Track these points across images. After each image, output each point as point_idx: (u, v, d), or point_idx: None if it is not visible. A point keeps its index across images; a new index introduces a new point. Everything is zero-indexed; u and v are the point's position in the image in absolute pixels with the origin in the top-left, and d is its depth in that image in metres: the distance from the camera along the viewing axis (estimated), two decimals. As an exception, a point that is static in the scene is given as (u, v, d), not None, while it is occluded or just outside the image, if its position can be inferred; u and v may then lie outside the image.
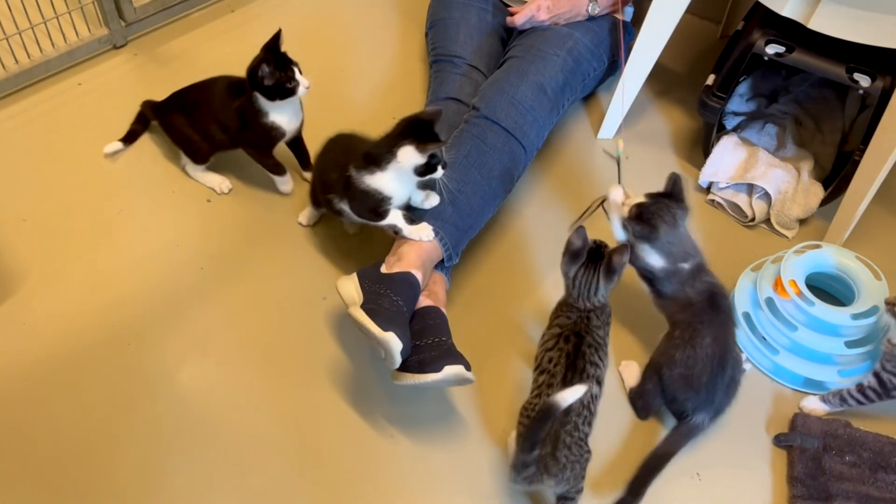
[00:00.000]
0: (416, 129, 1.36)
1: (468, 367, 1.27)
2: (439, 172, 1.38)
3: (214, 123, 1.65)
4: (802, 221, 1.73)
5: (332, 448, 1.36)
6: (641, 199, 1.37)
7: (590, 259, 1.26)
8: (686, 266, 1.36)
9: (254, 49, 1.58)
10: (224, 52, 2.09)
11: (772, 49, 1.59)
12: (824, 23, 1.49)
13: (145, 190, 1.75)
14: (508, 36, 1.89)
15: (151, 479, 1.31)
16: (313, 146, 1.63)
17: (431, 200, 1.47)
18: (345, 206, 1.45)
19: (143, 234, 1.66)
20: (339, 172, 1.43)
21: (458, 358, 1.27)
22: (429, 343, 1.30)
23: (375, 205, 1.40)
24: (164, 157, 1.80)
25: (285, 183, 1.72)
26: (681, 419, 1.35)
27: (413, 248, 1.40)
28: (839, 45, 1.51)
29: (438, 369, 1.24)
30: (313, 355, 1.48)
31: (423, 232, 1.42)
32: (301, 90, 1.55)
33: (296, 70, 1.55)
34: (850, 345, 1.42)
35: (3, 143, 1.82)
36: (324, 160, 1.54)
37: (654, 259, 1.36)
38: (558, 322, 1.28)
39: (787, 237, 1.71)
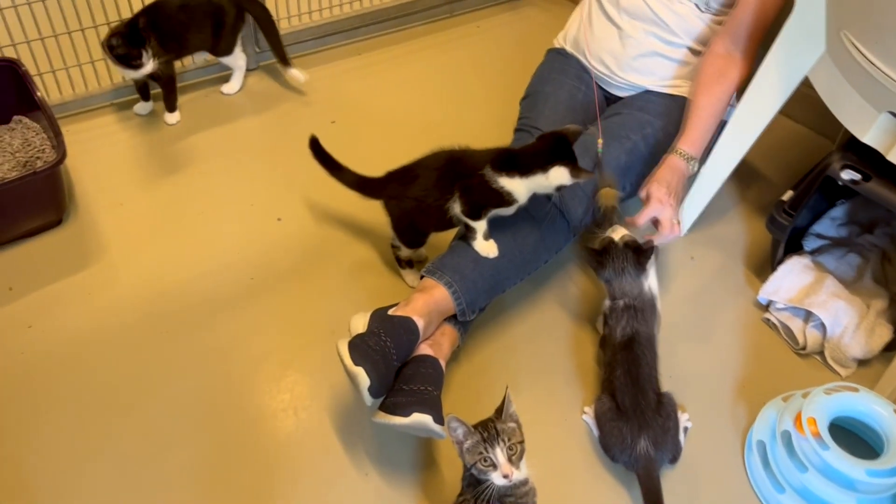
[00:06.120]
0: (562, 149, 1.44)
1: (438, 421, 1.28)
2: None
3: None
4: (862, 362, 1.60)
5: (303, 466, 1.41)
6: (621, 235, 1.51)
7: None
8: (621, 302, 1.46)
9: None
10: (342, 89, 2.26)
11: (847, 175, 1.50)
12: (905, 157, 1.39)
13: (229, 200, 1.92)
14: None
15: (149, 459, 1.41)
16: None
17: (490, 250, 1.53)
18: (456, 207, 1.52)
19: (213, 236, 1.82)
20: (450, 180, 1.51)
21: (431, 408, 1.29)
22: (413, 389, 1.33)
23: (497, 203, 1.48)
24: (249, 176, 1.98)
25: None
26: (628, 460, 1.37)
27: (422, 297, 1.44)
28: (924, 182, 1.41)
29: (406, 414, 1.27)
30: (322, 380, 1.54)
31: (489, 250, 1.51)
32: (144, 71, 1.92)
33: (143, 52, 1.88)
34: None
35: (120, 137, 2.09)
36: (414, 189, 1.56)
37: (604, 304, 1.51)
38: None
39: (840, 375, 1.58)
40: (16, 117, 1.94)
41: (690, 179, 1.70)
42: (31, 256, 1.75)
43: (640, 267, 1.46)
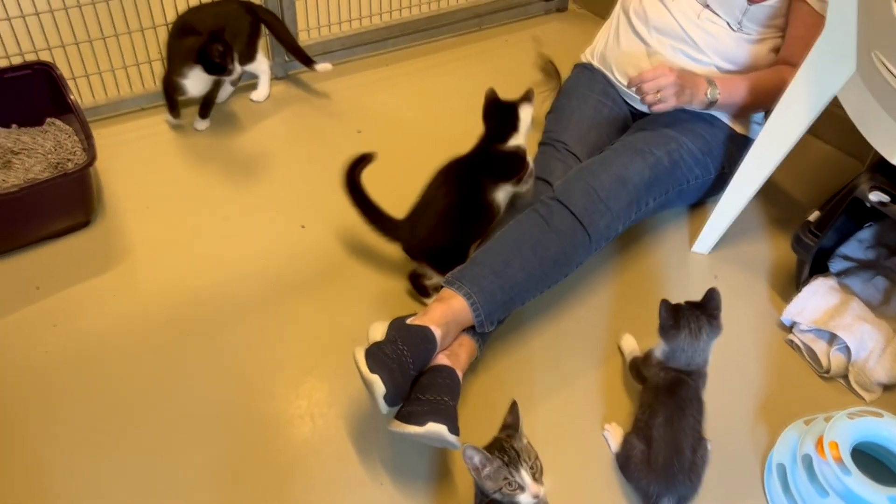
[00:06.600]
0: (504, 102, 1.65)
1: (453, 431, 1.28)
2: None
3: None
4: (887, 387, 1.57)
5: (318, 473, 1.41)
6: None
7: None
8: (675, 366, 1.39)
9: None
10: (370, 99, 2.28)
11: (875, 196, 1.48)
12: (935, 179, 1.37)
13: (253, 206, 1.94)
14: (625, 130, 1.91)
15: (165, 462, 1.42)
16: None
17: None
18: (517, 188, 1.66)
19: (237, 242, 1.84)
20: (466, 174, 1.64)
21: (446, 419, 1.28)
22: (429, 399, 1.33)
23: (520, 164, 1.63)
24: (274, 183, 2.00)
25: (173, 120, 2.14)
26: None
27: (441, 307, 1.44)
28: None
29: (421, 424, 1.26)
30: (340, 388, 1.54)
31: None
32: (233, 75, 1.98)
33: (233, 56, 1.94)
34: (884, 531, 1.26)
35: (150, 141, 2.12)
36: (432, 209, 1.64)
37: (658, 350, 1.41)
38: None
39: (864, 400, 1.55)
40: (49, 119, 1.98)
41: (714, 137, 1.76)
42: (59, 256, 1.78)
43: (716, 323, 1.38)
